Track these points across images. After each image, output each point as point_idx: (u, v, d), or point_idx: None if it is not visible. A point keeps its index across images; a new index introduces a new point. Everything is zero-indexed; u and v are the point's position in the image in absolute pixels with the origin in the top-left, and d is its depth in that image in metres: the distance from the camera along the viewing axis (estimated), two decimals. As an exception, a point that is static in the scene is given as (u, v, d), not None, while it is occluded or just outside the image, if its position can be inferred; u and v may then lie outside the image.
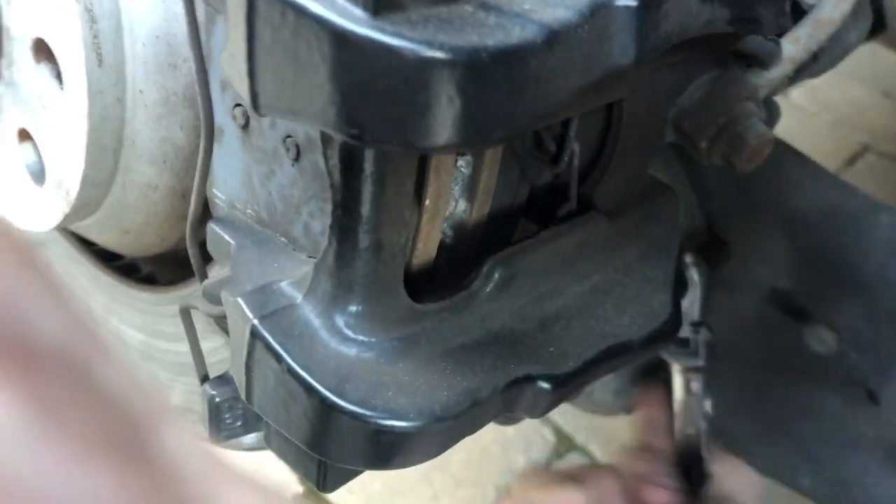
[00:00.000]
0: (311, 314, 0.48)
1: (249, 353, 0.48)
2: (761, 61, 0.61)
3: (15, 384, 0.13)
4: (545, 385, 0.52)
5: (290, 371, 0.46)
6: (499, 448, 1.60)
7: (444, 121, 0.35)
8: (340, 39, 0.34)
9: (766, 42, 0.60)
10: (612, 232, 0.59)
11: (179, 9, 0.59)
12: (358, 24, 0.34)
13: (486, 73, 0.35)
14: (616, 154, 0.57)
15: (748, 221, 0.85)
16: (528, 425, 1.60)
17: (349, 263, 0.46)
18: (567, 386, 0.53)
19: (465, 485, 1.53)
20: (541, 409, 0.54)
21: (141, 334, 0.83)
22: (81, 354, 0.15)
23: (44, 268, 0.15)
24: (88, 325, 0.15)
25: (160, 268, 0.85)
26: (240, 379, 0.49)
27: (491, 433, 1.65)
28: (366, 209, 0.45)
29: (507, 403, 0.51)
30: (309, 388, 0.45)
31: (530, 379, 0.51)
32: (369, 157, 0.43)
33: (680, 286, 0.62)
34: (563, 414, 1.63)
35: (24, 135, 0.67)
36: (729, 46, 0.57)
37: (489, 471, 1.55)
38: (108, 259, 0.85)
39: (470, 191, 0.54)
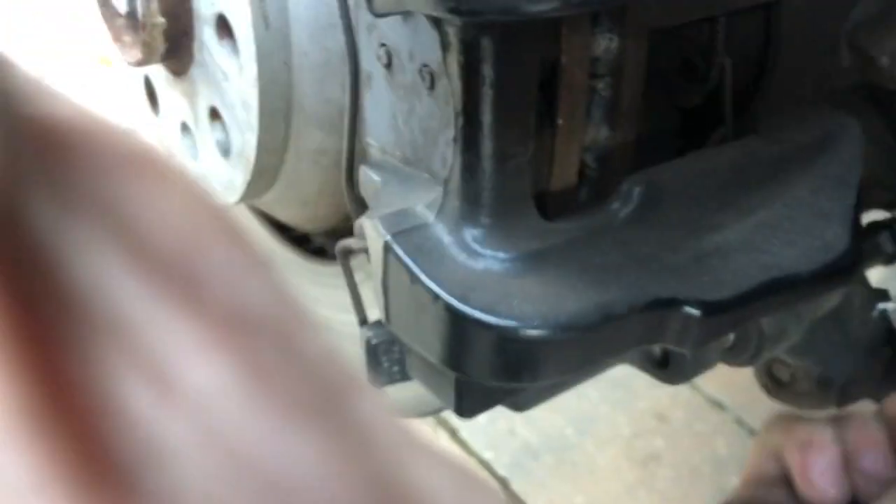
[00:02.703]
0: (441, 232, 0.48)
1: (385, 271, 0.49)
2: (950, -37, 0.55)
3: (229, 350, 0.14)
4: (694, 311, 0.48)
5: (419, 281, 0.46)
6: (710, 467, 1.51)
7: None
8: None
9: (955, -60, 0.53)
10: (777, 160, 0.55)
11: (336, -31, 0.62)
12: None
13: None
14: (776, 71, 0.53)
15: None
16: (745, 445, 1.50)
17: (474, 175, 0.46)
18: (720, 315, 0.49)
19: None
20: (692, 342, 0.50)
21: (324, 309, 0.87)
22: (285, 323, 0.16)
23: (250, 243, 0.16)
24: (291, 295, 0.16)
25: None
26: (379, 300, 0.50)
27: (701, 451, 1.56)
28: (487, 116, 0.45)
29: (648, 328, 0.48)
30: (435, 297, 0.45)
31: (676, 303, 0.48)
32: (487, 57, 0.43)
33: (859, 225, 0.56)
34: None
35: (214, 113, 0.74)
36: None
37: (699, 491, 1.46)
38: (300, 243, 0.90)
39: (611, 114, 0.52)
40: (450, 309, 0.45)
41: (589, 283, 0.46)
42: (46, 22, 2.02)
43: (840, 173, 0.57)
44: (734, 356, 0.64)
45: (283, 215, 0.82)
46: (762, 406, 1.11)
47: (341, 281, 0.82)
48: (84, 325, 0.14)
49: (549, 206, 0.51)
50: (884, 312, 0.86)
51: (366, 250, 0.58)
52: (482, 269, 0.46)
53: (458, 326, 0.44)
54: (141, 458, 0.13)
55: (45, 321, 0.14)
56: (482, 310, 0.44)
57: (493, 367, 0.45)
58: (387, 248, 0.48)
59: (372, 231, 0.50)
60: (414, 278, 0.46)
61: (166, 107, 0.83)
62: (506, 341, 0.44)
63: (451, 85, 0.45)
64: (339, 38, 0.64)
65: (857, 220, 0.55)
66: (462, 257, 0.47)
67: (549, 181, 0.51)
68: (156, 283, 0.14)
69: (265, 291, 0.15)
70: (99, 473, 0.13)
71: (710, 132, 0.54)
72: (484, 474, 1.41)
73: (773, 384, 0.91)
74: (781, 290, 0.51)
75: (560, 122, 0.49)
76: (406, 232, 0.48)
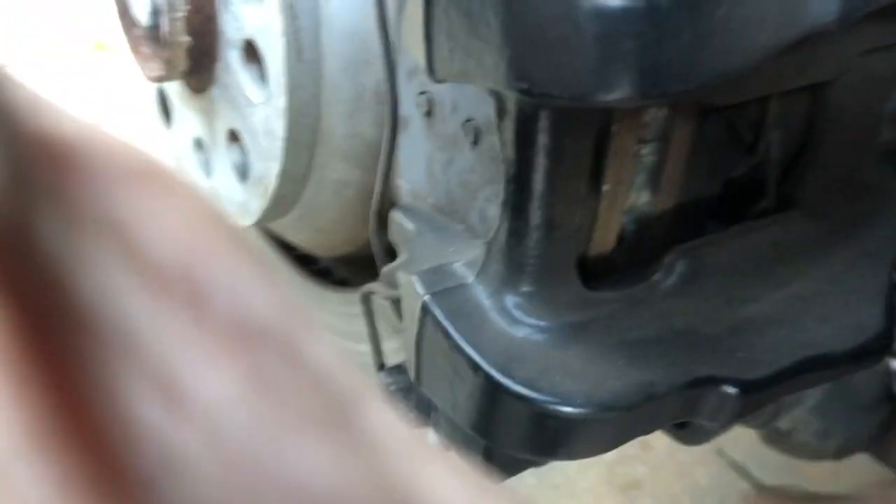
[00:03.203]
0: (481, 294, 0.47)
1: (420, 330, 0.47)
2: None
3: (238, 362, 0.15)
4: (731, 390, 0.48)
5: (458, 348, 0.45)
6: (689, 497, 1.51)
7: (619, 70, 0.33)
8: None
9: None
10: (815, 235, 0.54)
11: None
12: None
13: (668, 18, 0.33)
14: (821, 147, 0.53)
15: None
16: (724, 476, 1.51)
17: (521, 242, 0.45)
18: (756, 394, 0.49)
19: (649, 531, 1.45)
20: (725, 418, 0.49)
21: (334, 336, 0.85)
22: (292, 333, 0.16)
23: (256, 253, 0.16)
24: (297, 306, 0.17)
25: (352, 271, 0.88)
26: (410, 358, 0.49)
27: (681, 480, 1.56)
28: (539, 184, 0.43)
29: (686, 406, 0.47)
30: (475, 367, 0.44)
31: (714, 381, 0.47)
32: (544, 128, 0.42)
33: (894, 302, 0.56)
34: (763, 465, 1.52)
35: (233, 136, 0.72)
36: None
37: (678, 520, 1.46)
38: (305, 263, 0.89)
39: (655, 180, 0.51)
40: (490, 380, 0.43)
41: (631, 360, 0.46)
42: (46, 22, 1.98)
43: (876, 249, 0.57)
44: (750, 420, 0.64)
45: (296, 239, 0.81)
46: (744, 439, 1.11)
47: (347, 309, 0.81)
48: (93, 340, 0.14)
49: (587, 269, 0.50)
50: (886, 369, 0.86)
51: (391, 298, 0.57)
52: (522, 337, 0.45)
53: (498, 399, 0.43)
54: (155, 470, 0.13)
55: (56, 337, 0.14)
56: (524, 384, 0.43)
57: (528, 442, 0.44)
58: (424, 309, 0.47)
59: (408, 287, 0.48)
60: (453, 344, 0.45)
61: (180, 120, 0.81)
62: (545, 418, 0.43)
63: (504, 151, 0.44)
64: (373, 76, 0.62)
65: (891, 298, 0.55)
66: (502, 324, 0.46)
67: (588, 245, 0.50)
68: (163, 296, 0.14)
69: (271, 302, 0.16)
70: (114, 486, 0.13)
71: (752, 202, 0.54)
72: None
73: (773, 432, 0.91)
74: (815, 369, 0.51)
75: (606, 187, 0.48)
76: (444, 292, 0.47)
